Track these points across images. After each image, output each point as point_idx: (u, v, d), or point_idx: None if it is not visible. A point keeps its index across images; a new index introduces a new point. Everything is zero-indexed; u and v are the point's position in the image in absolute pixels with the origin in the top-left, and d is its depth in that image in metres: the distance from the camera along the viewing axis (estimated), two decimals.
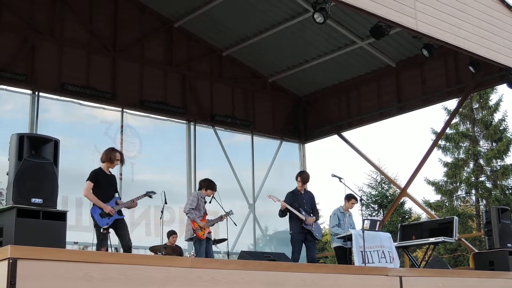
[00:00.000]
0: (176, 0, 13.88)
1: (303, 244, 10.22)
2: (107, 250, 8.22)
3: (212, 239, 10.23)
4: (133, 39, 13.95)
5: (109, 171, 8.51)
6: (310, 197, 10.53)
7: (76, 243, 11.73)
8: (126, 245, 8.25)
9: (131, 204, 8.58)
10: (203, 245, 9.55)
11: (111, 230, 8.31)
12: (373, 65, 15.18)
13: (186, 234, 9.86)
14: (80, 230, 12.08)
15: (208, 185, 9.92)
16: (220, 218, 10.23)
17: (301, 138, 16.94)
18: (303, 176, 10.52)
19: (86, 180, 8.25)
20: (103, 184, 8.30)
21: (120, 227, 8.29)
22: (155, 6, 14.19)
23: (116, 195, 8.47)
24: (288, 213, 10.18)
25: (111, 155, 8.43)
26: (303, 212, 10.15)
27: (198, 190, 10.03)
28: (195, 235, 9.51)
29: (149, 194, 8.83)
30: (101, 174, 8.36)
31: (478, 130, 29.18)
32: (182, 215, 13.85)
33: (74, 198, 12.15)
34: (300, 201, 10.26)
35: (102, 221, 8.15)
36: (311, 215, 10.32)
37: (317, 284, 5.91)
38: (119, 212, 8.33)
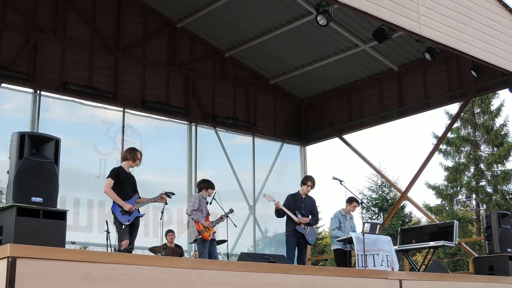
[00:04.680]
0: (179, 1, 13.89)
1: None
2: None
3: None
4: (136, 39, 13.96)
5: (129, 171, 8.66)
6: (311, 202, 10.56)
7: (73, 242, 11.74)
8: (132, 248, 8.48)
9: (158, 200, 8.73)
10: (207, 246, 9.56)
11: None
12: (375, 68, 15.17)
13: (190, 236, 9.86)
14: (77, 230, 12.09)
15: (208, 185, 9.95)
16: (220, 219, 10.23)
17: (302, 141, 16.93)
18: (314, 181, 10.55)
19: (107, 177, 8.43)
20: (123, 182, 8.44)
21: (135, 227, 8.48)
22: (158, 6, 14.20)
23: (136, 194, 8.61)
24: (285, 215, 10.21)
25: (135, 154, 8.62)
26: (299, 215, 10.17)
27: (198, 192, 10.03)
28: (200, 236, 9.50)
29: (168, 194, 8.88)
30: (122, 172, 8.52)
31: (479, 135, 29.20)
32: (180, 216, 13.89)
33: (72, 198, 12.18)
34: (299, 205, 10.30)
35: (124, 218, 8.29)
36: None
37: (317, 287, 5.91)
38: (139, 210, 8.52)
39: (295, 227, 10.16)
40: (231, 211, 10.50)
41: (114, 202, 8.33)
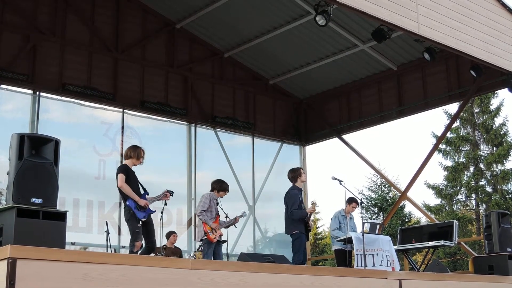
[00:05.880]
0: (179, 1, 13.90)
1: None
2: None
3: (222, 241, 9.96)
4: (135, 40, 13.96)
5: (133, 169, 8.58)
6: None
7: (73, 243, 11.75)
8: (153, 244, 8.37)
9: (162, 198, 8.77)
10: (212, 248, 9.41)
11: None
12: (374, 68, 15.18)
13: (197, 235, 9.77)
14: (77, 231, 12.07)
15: (220, 186, 9.78)
16: (235, 220, 10.02)
17: (301, 141, 16.93)
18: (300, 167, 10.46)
19: (118, 173, 8.30)
20: (132, 179, 8.36)
21: (149, 223, 8.39)
22: (157, 7, 14.20)
23: (144, 191, 8.53)
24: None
25: (138, 152, 8.56)
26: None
27: (210, 191, 9.88)
28: (205, 237, 9.43)
29: (170, 192, 8.91)
30: (130, 169, 8.45)
31: (479, 134, 29.22)
32: (180, 216, 13.90)
33: (71, 199, 12.16)
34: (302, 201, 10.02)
35: (140, 213, 8.21)
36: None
37: (316, 287, 5.90)
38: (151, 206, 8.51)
39: (306, 226, 9.76)
40: (244, 214, 10.45)
41: (128, 198, 8.18)
